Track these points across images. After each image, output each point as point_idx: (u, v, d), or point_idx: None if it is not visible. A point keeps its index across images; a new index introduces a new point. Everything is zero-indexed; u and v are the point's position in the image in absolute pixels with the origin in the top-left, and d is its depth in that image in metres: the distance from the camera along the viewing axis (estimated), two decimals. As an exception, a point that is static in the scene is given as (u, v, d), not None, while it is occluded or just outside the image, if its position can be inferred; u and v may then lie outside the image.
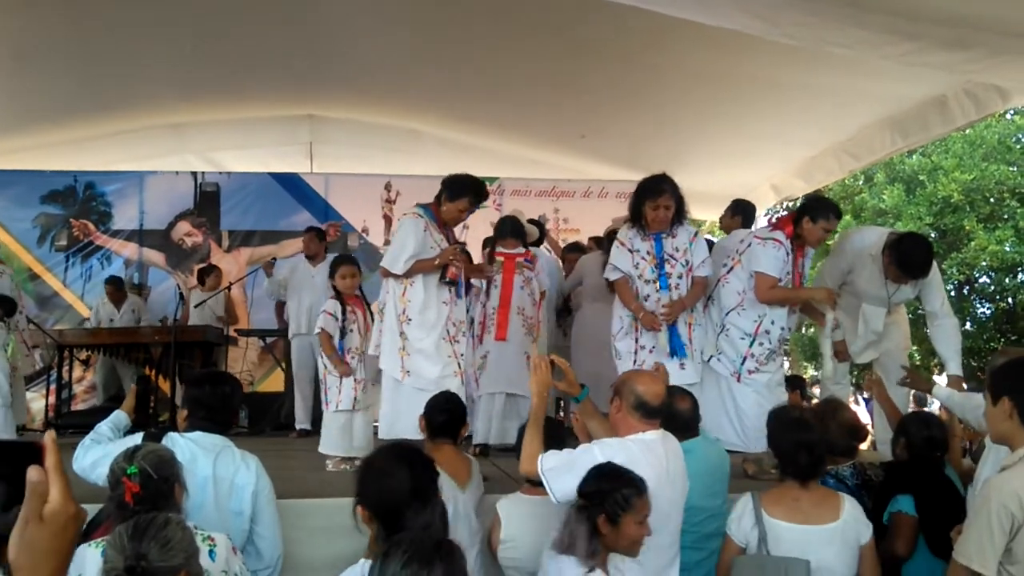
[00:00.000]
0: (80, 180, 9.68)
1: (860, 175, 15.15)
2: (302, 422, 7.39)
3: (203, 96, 8.60)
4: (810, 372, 17.46)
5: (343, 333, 5.22)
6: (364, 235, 9.80)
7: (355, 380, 5.17)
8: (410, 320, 4.94)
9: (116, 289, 8.87)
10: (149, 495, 2.67)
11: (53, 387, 8.25)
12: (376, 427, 5.20)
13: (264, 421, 7.97)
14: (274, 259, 8.52)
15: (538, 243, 6.94)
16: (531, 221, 7.02)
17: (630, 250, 5.13)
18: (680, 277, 5.07)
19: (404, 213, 5.33)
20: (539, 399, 3.29)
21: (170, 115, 9.13)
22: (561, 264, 7.35)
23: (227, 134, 9.60)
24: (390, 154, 9.67)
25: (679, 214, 5.08)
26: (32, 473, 1.06)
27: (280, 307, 8.25)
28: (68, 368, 8.37)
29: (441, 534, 2.40)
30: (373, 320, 5.47)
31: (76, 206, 9.69)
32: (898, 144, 7.35)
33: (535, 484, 3.20)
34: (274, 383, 8.77)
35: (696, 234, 5.19)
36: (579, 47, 6.78)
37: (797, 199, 8.87)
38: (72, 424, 8.28)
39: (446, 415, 3.78)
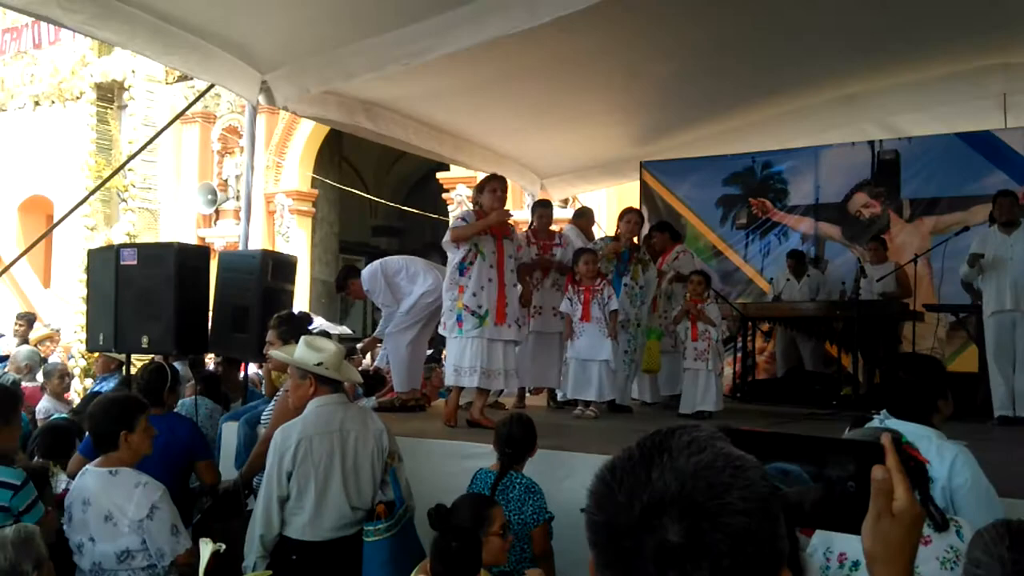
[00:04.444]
0: (758, 160, 10.02)
1: None
2: (1002, 408, 6.74)
3: (878, 62, 8.30)
4: None
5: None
6: (1075, 196, 8.44)
7: None
8: None
9: (797, 263, 9.10)
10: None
11: (739, 356, 8.74)
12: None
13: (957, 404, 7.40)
14: (966, 228, 7.87)
15: None
16: None
17: None
18: None
19: None
20: None
21: (844, 87, 9.01)
22: None
23: (906, 97, 9.15)
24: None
25: None
26: (877, 472, 1.16)
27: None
28: (751, 339, 8.82)
29: None
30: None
31: (754, 185, 10.06)
32: None
33: None
34: (966, 362, 8.08)
35: None
36: None
37: None
38: (754, 394, 8.70)
39: None
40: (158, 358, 6.63)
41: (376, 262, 7.11)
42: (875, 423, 3.17)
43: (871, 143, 9.43)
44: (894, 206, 9.31)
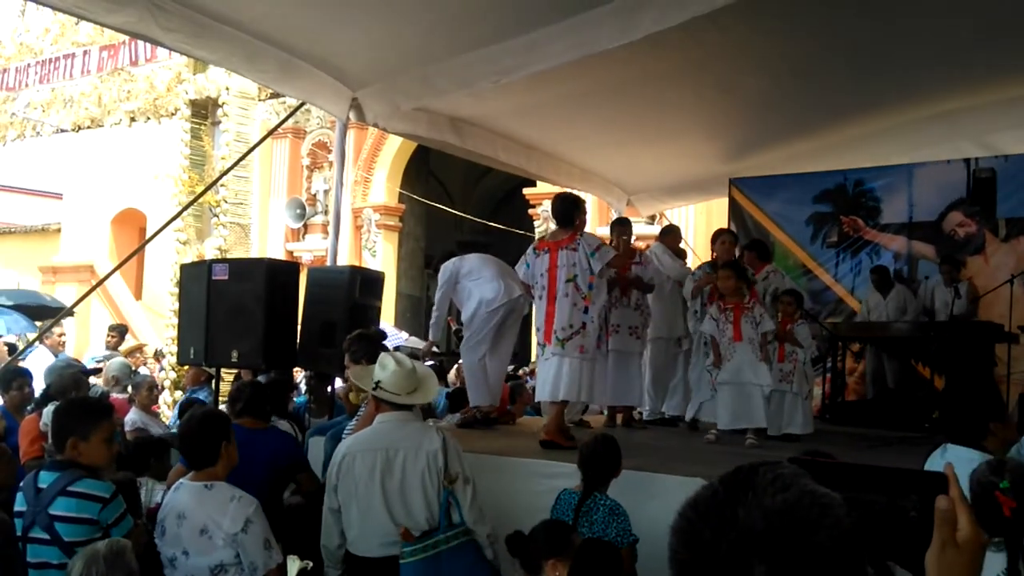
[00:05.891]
0: (849, 178, 9.80)
1: None
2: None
3: (976, 78, 8.04)
4: None
5: None
6: None
7: None
8: None
9: (881, 278, 9.00)
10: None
11: (828, 377, 8.55)
12: None
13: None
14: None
15: None
16: None
17: None
18: None
19: None
20: None
21: (940, 104, 8.73)
22: None
23: (1003, 114, 8.81)
24: None
25: None
26: (940, 502, 1.16)
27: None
28: (841, 360, 8.62)
29: None
30: None
31: (846, 203, 9.83)
32: None
33: None
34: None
35: None
36: None
37: None
38: (843, 415, 8.48)
39: None
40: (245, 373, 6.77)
41: (457, 258, 6.98)
42: (937, 452, 3.10)
43: (966, 161, 9.14)
44: (990, 225, 9.01)
